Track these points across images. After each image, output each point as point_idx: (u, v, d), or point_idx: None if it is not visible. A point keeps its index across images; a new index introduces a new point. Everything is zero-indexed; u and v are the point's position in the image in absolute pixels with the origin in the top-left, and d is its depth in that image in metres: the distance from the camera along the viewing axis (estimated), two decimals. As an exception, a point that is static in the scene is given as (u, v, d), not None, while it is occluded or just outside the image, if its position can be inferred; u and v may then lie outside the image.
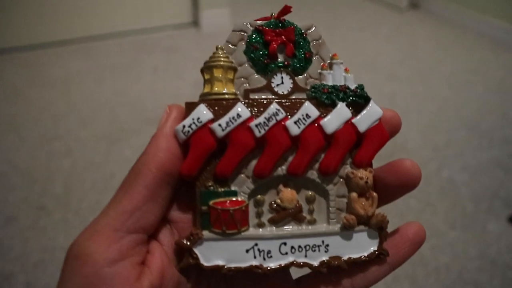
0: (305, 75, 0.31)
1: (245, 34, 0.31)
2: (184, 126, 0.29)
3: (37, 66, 1.85)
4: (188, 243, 0.29)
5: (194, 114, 0.29)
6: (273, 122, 0.29)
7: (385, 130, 0.31)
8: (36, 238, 1.05)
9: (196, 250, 0.29)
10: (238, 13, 2.22)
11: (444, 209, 1.13)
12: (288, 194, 0.30)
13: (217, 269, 0.29)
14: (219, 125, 0.28)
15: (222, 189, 0.29)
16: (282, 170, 0.30)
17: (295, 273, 0.33)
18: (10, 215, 1.12)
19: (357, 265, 0.31)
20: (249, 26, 0.31)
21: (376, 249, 0.31)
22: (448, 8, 2.31)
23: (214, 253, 0.29)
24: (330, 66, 0.31)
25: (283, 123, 0.29)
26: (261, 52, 0.30)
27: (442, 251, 1.01)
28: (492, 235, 1.06)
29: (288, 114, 0.29)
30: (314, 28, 0.32)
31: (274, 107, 0.29)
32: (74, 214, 1.12)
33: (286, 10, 0.31)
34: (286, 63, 0.31)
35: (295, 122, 0.29)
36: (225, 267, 0.29)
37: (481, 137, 1.41)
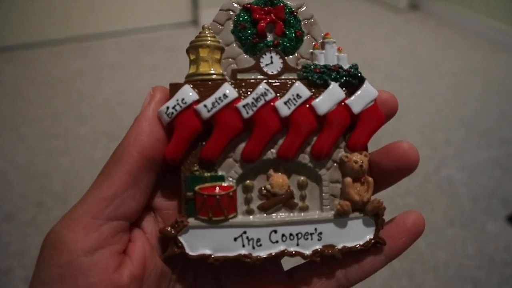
0: (296, 55, 0.29)
1: (233, 13, 0.29)
2: (167, 108, 0.27)
3: (36, 65, 1.85)
4: (173, 231, 0.27)
5: (179, 95, 0.27)
6: (261, 102, 0.27)
7: (380, 112, 0.29)
8: (34, 234, 1.04)
9: (181, 239, 0.27)
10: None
11: (443, 208, 1.13)
12: (278, 179, 0.28)
13: (204, 258, 0.27)
14: (205, 106, 0.27)
15: (209, 174, 0.28)
16: (272, 153, 0.28)
17: (286, 264, 0.32)
18: (9, 211, 1.11)
19: (351, 255, 0.29)
20: (236, 5, 0.29)
21: (372, 237, 0.29)
22: (447, 9, 2.32)
23: (200, 242, 0.27)
24: (322, 46, 0.30)
25: (272, 103, 0.27)
26: (249, 31, 0.29)
27: (440, 248, 1.02)
28: (491, 233, 1.06)
29: (277, 94, 0.28)
30: (305, 7, 0.30)
31: (262, 87, 0.27)
32: (72, 211, 1.11)
33: None
34: (275, 42, 0.29)
35: (285, 103, 0.27)
36: (212, 256, 0.27)
37: (480, 137, 1.41)
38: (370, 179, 0.29)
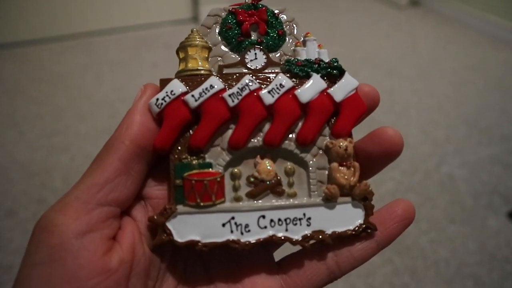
0: (279, 52, 0.31)
1: (220, 18, 0.31)
2: (157, 99, 0.28)
3: (37, 62, 1.84)
4: (162, 218, 0.27)
5: (168, 88, 0.29)
6: (246, 91, 0.29)
7: (362, 100, 0.30)
8: (36, 231, 1.04)
9: (169, 225, 0.27)
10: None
11: (444, 204, 1.13)
12: (265, 166, 0.29)
13: (192, 244, 0.27)
14: (192, 96, 0.28)
15: (197, 161, 0.28)
16: (258, 141, 0.29)
17: (280, 255, 0.32)
18: (10, 208, 1.11)
19: (342, 241, 0.29)
20: (223, 12, 0.32)
21: (362, 222, 0.29)
22: (448, 5, 2.31)
23: (189, 228, 0.28)
24: (304, 44, 0.31)
25: (256, 93, 0.29)
26: (235, 31, 0.31)
27: (441, 245, 1.02)
28: (491, 230, 1.06)
29: (262, 86, 0.29)
30: (286, 10, 0.32)
31: (247, 78, 0.29)
32: (74, 208, 1.12)
33: None
34: (259, 40, 0.31)
35: (269, 92, 0.29)
36: (200, 242, 0.28)
37: (481, 134, 1.41)
38: (356, 163, 0.30)
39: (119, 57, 1.89)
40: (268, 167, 0.29)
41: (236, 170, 0.29)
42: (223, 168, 0.29)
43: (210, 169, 0.28)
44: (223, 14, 0.31)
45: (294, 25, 0.32)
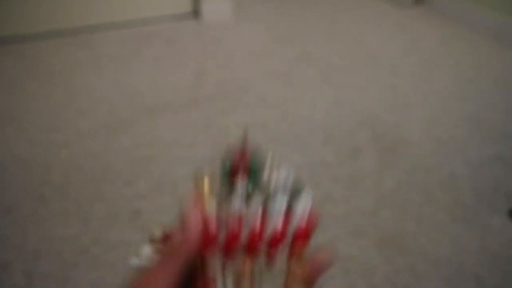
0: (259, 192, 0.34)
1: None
2: None
3: (36, 57, 1.83)
4: None
5: None
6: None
7: (310, 231, 0.32)
8: (34, 228, 1.04)
9: None
10: (239, 4, 2.20)
11: (446, 203, 1.12)
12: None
13: None
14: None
15: None
16: None
17: None
18: (9, 205, 1.11)
19: None
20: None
21: None
22: (452, 3, 2.29)
23: None
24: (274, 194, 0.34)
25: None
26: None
27: (443, 244, 1.01)
28: (494, 229, 1.05)
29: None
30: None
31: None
32: (72, 204, 1.11)
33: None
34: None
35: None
36: None
37: (484, 132, 1.40)
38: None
39: (119, 52, 1.88)
40: None
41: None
42: None
43: None
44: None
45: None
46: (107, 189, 1.16)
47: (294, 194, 0.33)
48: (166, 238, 1.05)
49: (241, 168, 0.35)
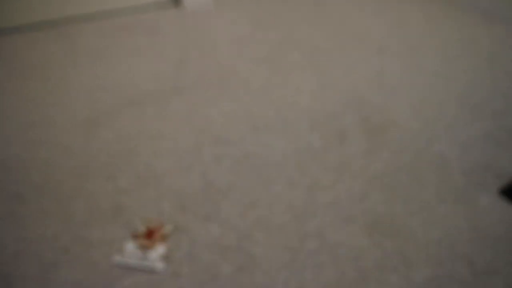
0: None
1: None
2: None
3: (10, 51, 1.77)
4: None
5: None
6: None
7: None
8: (12, 228, 1.00)
9: None
10: (221, -9, 2.14)
11: (435, 184, 1.10)
12: None
13: None
14: None
15: None
16: None
17: None
18: (-15, 206, 1.07)
19: None
20: None
21: None
22: (437, -20, 2.24)
23: None
24: None
25: None
26: None
27: (432, 226, 0.99)
28: (484, 208, 1.04)
29: None
30: None
31: None
32: (52, 202, 1.07)
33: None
34: None
35: None
36: None
37: (472, 110, 1.38)
38: None
39: (97, 44, 1.82)
40: None
41: None
42: None
43: None
44: None
45: None
46: (87, 185, 1.12)
47: None
48: (150, 233, 1.02)
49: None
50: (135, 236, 0.94)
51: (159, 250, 0.91)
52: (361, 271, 0.88)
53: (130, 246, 0.91)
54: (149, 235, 0.94)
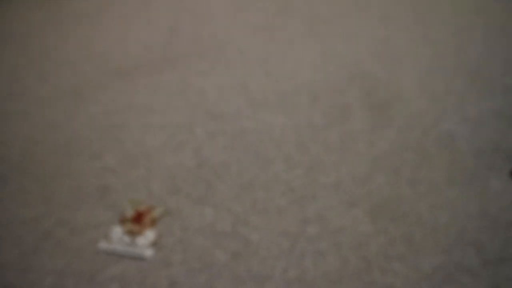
0: None
1: None
2: None
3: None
4: None
5: None
6: None
7: None
8: (-10, 210, 0.93)
9: None
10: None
11: (443, 164, 1.04)
12: None
13: None
14: None
15: None
16: None
17: None
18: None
19: None
20: None
21: None
22: None
23: None
24: None
25: None
26: None
27: (441, 210, 0.93)
28: (494, 191, 0.98)
29: None
30: None
31: None
32: (33, 182, 1.00)
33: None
34: None
35: None
36: None
37: (482, 85, 1.30)
38: None
39: (84, 10, 1.70)
40: None
41: None
42: None
43: None
44: None
45: None
46: (72, 163, 1.05)
47: None
48: (138, 217, 0.93)
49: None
50: (122, 220, 0.88)
51: (148, 236, 0.84)
52: (365, 259, 0.83)
53: (118, 231, 0.85)
54: (138, 219, 0.87)
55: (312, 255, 0.83)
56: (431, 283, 0.78)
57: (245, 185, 0.98)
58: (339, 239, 0.86)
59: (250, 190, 0.97)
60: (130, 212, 0.89)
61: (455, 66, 1.38)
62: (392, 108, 1.21)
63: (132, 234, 0.84)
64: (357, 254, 0.84)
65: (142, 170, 1.03)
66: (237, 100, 1.26)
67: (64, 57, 1.42)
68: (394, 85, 1.30)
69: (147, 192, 0.97)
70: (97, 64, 1.39)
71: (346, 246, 0.85)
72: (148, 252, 0.82)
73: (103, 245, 0.84)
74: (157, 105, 1.24)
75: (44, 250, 0.85)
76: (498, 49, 1.45)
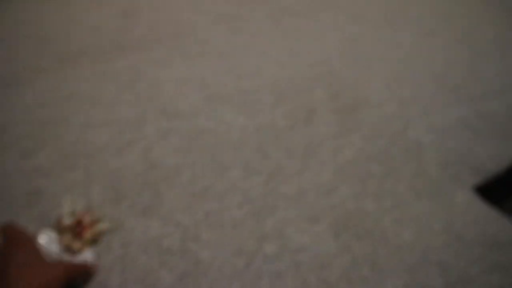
0: None
1: None
2: None
3: None
4: None
5: None
6: None
7: None
8: None
9: None
10: None
11: (409, 176, 0.99)
12: None
13: None
14: None
15: None
16: None
17: None
18: None
19: None
20: None
21: None
22: None
23: None
24: None
25: None
26: None
27: (405, 226, 0.88)
28: (458, 207, 0.94)
29: None
30: None
31: None
32: None
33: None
34: None
35: None
36: None
37: (449, 93, 1.27)
38: None
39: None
40: None
41: None
42: None
43: None
44: None
45: None
46: (-3, 162, 0.91)
47: None
48: (79, 227, 0.78)
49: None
50: (60, 229, 0.75)
51: (87, 255, 0.72)
52: (326, 282, 0.76)
53: (53, 247, 0.72)
54: (79, 232, 0.75)
55: (269, 276, 0.75)
56: (396, 311, 0.72)
57: (197, 194, 0.89)
58: (299, 258, 0.79)
59: (203, 199, 0.88)
60: (69, 219, 0.76)
61: (422, 71, 1.34)
62: (359, 112, 1.15)
63: (70, 252, 0.72)
64: (318, 276, 0.77)
65: (80, 173, 0.90)
66: (194, 95, 1.15)
67: (-2, 36, 1.25)
68: (361, 88, 1.24)
69: (85, 199, 0.85)
70: (35, 48, 1.23)
71: (306, 266, 0.78)
72: (83, 275, 0.71)
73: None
74: (103, 97, 1.11)
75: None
76: (464, 56, 1.43)
